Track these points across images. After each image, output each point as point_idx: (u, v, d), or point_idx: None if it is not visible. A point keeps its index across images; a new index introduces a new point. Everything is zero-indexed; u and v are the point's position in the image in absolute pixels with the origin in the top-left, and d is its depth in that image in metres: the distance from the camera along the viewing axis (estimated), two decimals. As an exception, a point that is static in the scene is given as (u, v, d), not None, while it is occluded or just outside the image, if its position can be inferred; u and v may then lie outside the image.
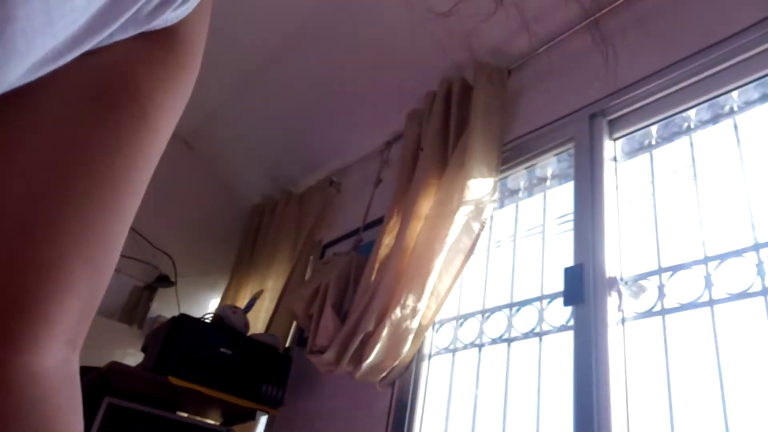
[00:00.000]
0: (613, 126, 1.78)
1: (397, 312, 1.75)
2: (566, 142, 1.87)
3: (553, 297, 1.63)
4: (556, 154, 1.92)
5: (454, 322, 1.90)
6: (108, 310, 2.85)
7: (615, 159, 1.75)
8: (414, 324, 1.78)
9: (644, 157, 1.70)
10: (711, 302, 1.29)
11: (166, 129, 0.42)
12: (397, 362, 1.81)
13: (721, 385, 1.18)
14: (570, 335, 1.48)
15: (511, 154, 2.00)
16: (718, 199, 1.44)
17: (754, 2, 1.52)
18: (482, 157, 1.89)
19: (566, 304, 1.53)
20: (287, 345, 2.47)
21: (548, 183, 1.93)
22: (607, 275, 1.50)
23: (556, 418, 1.45)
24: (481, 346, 1.76)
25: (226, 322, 2.23)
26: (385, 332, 1.75)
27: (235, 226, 3.38)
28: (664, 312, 1.36)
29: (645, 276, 1.45)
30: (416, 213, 1.93)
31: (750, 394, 1.16)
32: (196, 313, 2.46)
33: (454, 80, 2.21)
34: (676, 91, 1.64)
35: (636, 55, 1.77)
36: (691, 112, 1.63)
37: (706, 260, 1.35)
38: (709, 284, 1.31)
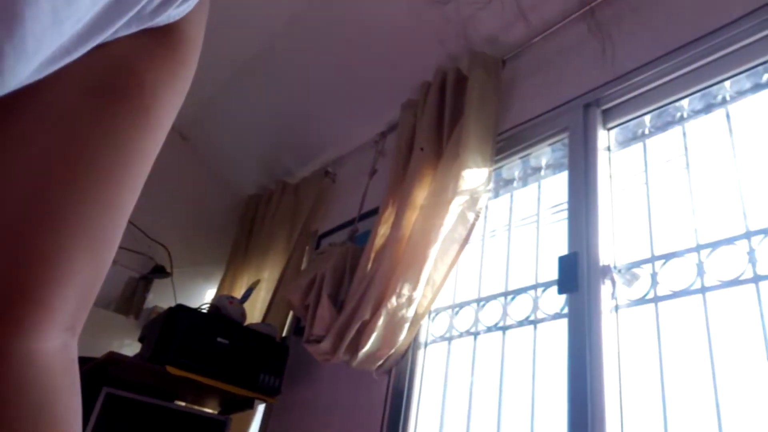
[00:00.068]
0: (607, 116, 1.80)
1: (393, 301, 1.77)
2: (560, 132, 1.88)
3: (547, 285, 1.65)
4: (551, 144, 1.93)
5: (449, 311, 1.92)
6: (104, 301, 2.85)
7: (609, 149, 1.76)
8: (410, 313, 1.79)
9: (638, 146, 1.71)
10: (703, 290, 1.31)
11: (165, 124, 0.43)
12: (393, 351, 1.82)
13: (713, 371, 1.20)
14: (564, 323, 1.50)
15: (506, 143, 2.01)
16: (710, 187, 1.46)
17: (746, -8, 1.53)
18: (477, 147, 1.90)
19: (560, 292, 1.55)
20: (284, 334, 2.49)
21: (543, 173, 1.95)
22: (601, 263, 1.52)
23: (550, 405, 1.47)
24: (476, 334, 1.78)
25: (223, 312, 2.25)
26: (381, 321, 1.76)
27: (231, 217, 3.38)
28: (656, 299, 1.39)
29: (638, 264, 1.47)
30: (411, 203, 1.94)
31: (741, 380, 1.18)
32: (192, 304, 2.47)
33: (448, 70, 2.21)
34: (670, 80, 1.66)
35: (630, 44, 1.78)
36: (684, 102, 1.65)
37: (698, 248, 1.37)
38: (701, 272, 1.33)
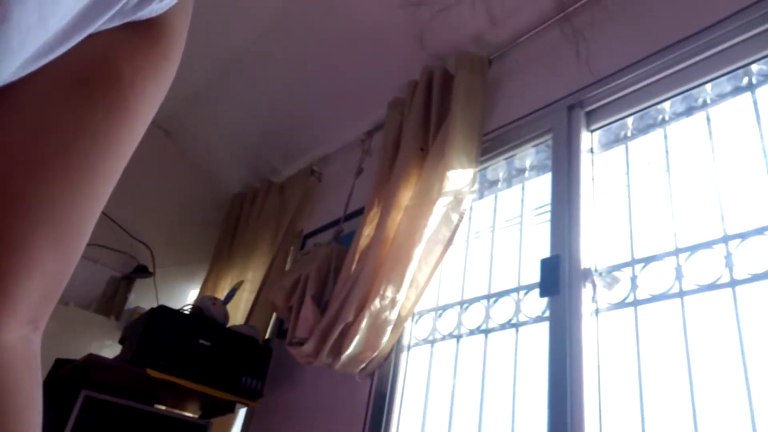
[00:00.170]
0: (591, 117, 1.80)
1: (377, 303, 1.76)
2: (545, 134, 1.88)
3: (529, 288, 1.65)
4: (535, 146, 1.93)
5: (433, 313, 1.91)
6: (85, 301, 2.82)
7: (592, 150, 1.76)
8: (393, 315, 1.79)
9: (620, 148, 1.71)
10: (681, 293, 1.31)
11: (145, 116, 0.43)
12: (376, 353, 1.82)
13: (690, 374, 1.21)
14: (546, 326, 1.50)
15: (491, 144, 2.01)
16: (689, 191, 1.47)
17: (726, -4, 1.54)
18: (463, 146, 1.89)
19: (542, 295, 1.55)
20: (267, 336, 2.47)
21: (527, 174, 1.94)
22: (582, 266, 1.52)
23: (531, 408, 1.47)
24: (459, 337, 1.78)
25: (206, 314, 2.22)
26: (364, 323, 1.76)
27: (215, 216, 3.35)
28: (636, 303, 1.39)
29: (618, 267, 1.47)
30: (396, 203, 1.93)
31: (718, 383, 1.18)
32: (175, 305, 2.44)
33: (435, 69, 2.20)
34: (652, 83, 1.66)
35: (613, 46, 1.78)
36: (666, 105, 1.65)
37: (677, 252, 1.37)
38: (679, 276, 1.33)
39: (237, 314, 2.51)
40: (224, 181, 3.42)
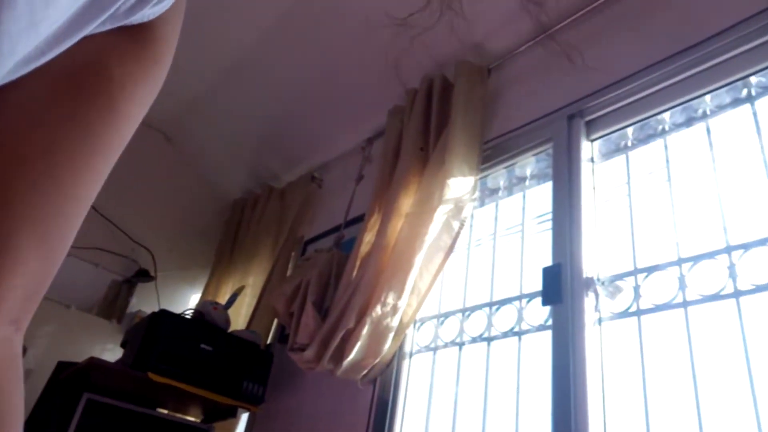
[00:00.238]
0: (591, 127, 1.81)
1: (378, 309, 1.76)
2: (545, 142, 1.89)
3: (531, 296, 1.66)
4: (535, 154, 1.95)
5: (435, 321, 1.92)
6: (87, 304, 2.82)
7: (592, 160, 1.78)
8: (395, 322, 1.79)
9: (620, 158, 1.73)
10: (685, 303, 1.32)
11: (134, 119, 0.43)
12: (377, 360, 1.82)
13: (695, 384, 1.22)
14: (548, 335, 1.51)
15: (492, 153, 2.02)
16: (691, 201, 1.48)
17: (725, 8, 1.55)
18: (463, 155, 1.91)
19: (545, 303, 1.56)
20: (268, 342, 2.48)
21: (527, 182, 1.96)
22: (585, 275, 1.53)
23: (534, 417, 1.48)
24: (461, 344, 1.79)
25: (207, 318, 2.23)
26: (365, 330, 1.76)
27: (216, 221, 3.36)
28: (639, 312, 1.40)
29: (621, 277, 1.48)
30: (397, 210, 1.94)
31: (723, 394, 1.20)
32: (177, 309, 2.45)
33: (435, 77, 2.21)
34: (652, 93, 1.68)
35: (613, 56, 1.80)
36: (666, 115, 1.67)
37: (680, 262, 1.38)
38: (683, 286, 1.35)
39: (238, 319, 2.51)
40: (225, 186, 3.43)
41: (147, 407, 2.10)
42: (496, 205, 2.01)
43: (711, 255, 1.33)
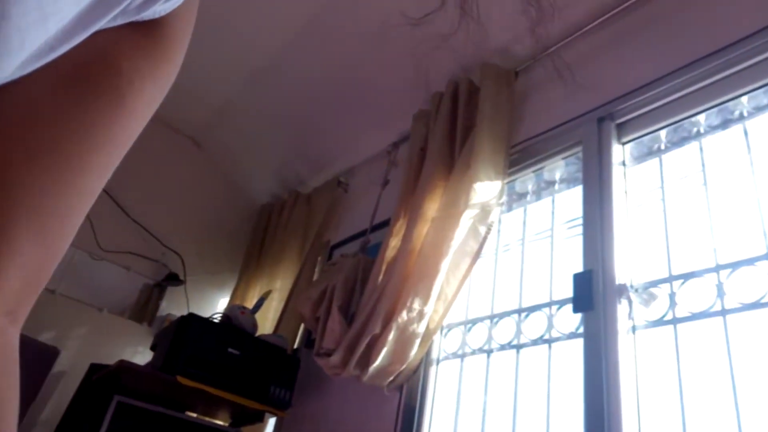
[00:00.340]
0: (622, 130, 1.77)
1: (404, 315, 1.75)
2: (574, 146, 1.86)
3: (562, 303, 1.62)
4: (564, 158, 1.91)
5: (462, 327, 1.90)
6: (119, 308, 2.88)
7: (624, 163, 1.73)
8: (421, 328, 1.78)
9: (653, 161, 1.68)
10: (723, 312, 1.28)
11: (142, 116, 0.42)
12: (404, 366, 1.81)
13: (735, 397, 1.17)
14: (580, 343, 1.48)
15: (519, 156, 1.99)
16: (729, 205, 1.43)
17: (763, 6, 1.50)
18: (489, 159, 1.88)
19: (575, 310, 1.53)
20: (295, 346, 2.48)
21: (557, 187, 1.92)
22: (617, 282, 1.49)
23: (565, 428, 1.45)
24: (489, 351, 1.76)
25: (234, 323, 2.24)
26: (391, 335, 1.75)
27: (244, 226, 3.39)
28: (675, 321, 1.36)
29: (655, 283, 1.44)
30: (422, 215, 1.93)
31: (763, 406, 1.15)
32: (205, 312, 2.47)
33: (460, 81, 2.20)
34: (685, 95, 1.63)
35: (645, 58, 1.76)
36: (701, 117, 1.62)
37: (717, 268, 1.34)
38: (721, 293, 1.30)
39: (266, 324, 2.53)
40: (253, 191, 3.46)
41: (176, 410, 2.12)
42: (525, 210, 1.97)
43: (751, 261, 1.28)
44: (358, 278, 2.12)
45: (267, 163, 3.29)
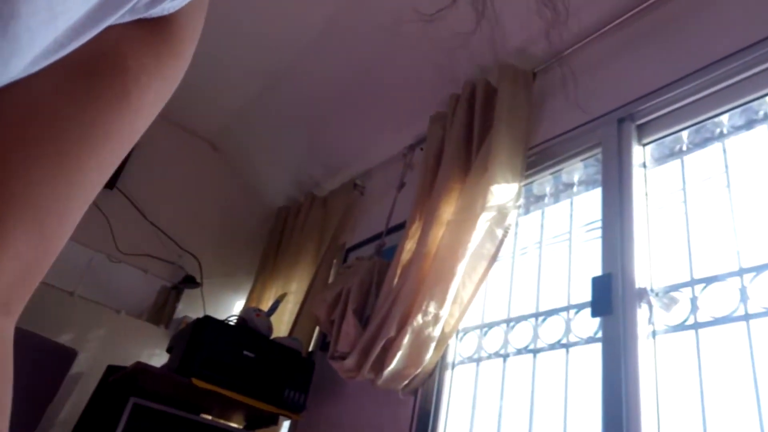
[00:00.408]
0: (642, 131, 1.74)
1: (419, 318, 1.73)
2: (593, 147, 1.83)
3: (580, 307, 1.59)
4: (583, 160, 1.88)
5: (478, 331, 1.87)
6: (137, 310, 2.90)
7: (644, 165, 1.70)
8: (436, 331, 1.76)
9: (675, 163, 1.65)
10: (747, 316, 1.24)
11: (148, 113, 0.42)
12: (419, 370, 1.79)
13: (758, 402, 1.14)
14: (598, 347, 1.45)
15: (537, 158, 1.97)
16: (752, 208, 1.39)
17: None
18: (506, 161, 1.86)
19: (594, 315, 1.50)
20: (310, 349, 2.48)
21: (575, 189, 1.89)
22: (637, 286, 1.46)
23: (582, 433, 1.42)
24: (506, 356, 1.74)
25: (250, 325, 2.25)
26: (406, 339, 1.73)
27: (260, 228, 3.40)
28: (697, 326, 1.32)
29: (677, 287, 1.41)
30: (438, 218, 1.91)
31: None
32: (221, 315, 2.48)
33: (477, 82, 2.18)
34: (708, 95, 1.59)
35: (666, 57, 1.72)
36: (724, 117, 1.58)
37: (741, 272, 1.30)
38: (744, 297, 1.26)
39: (281, 326, 2.52)
40: (269, 194, 3.47)
41: (191, 413, 2.13)
42: (542, 213, 1.95)
43: (776, 265, 1.24)
44: (373, 281, 2.11)
45: (283, 165, 3.30)
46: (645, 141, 1.73)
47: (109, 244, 2.86)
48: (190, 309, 2.98)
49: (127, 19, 0.38)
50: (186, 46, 0.43)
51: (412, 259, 1.91)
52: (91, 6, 0.33)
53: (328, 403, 2.23)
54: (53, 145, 0.35)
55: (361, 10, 2.31)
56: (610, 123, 1.78)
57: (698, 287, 1.36)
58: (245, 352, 2.10)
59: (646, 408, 1.30)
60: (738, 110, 1.55)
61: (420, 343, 1.75)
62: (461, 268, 1.75)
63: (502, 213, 1.81)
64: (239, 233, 3.35)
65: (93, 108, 0.37)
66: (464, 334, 1.92)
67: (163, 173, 3.19)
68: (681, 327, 1.35)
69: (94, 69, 0.37)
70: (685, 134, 1.66)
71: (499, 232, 1.81)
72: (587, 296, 1.55)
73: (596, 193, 1.74)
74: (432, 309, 1.74)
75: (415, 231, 2.05)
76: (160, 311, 2.96)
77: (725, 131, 1.58)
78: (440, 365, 1.88)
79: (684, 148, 1.65)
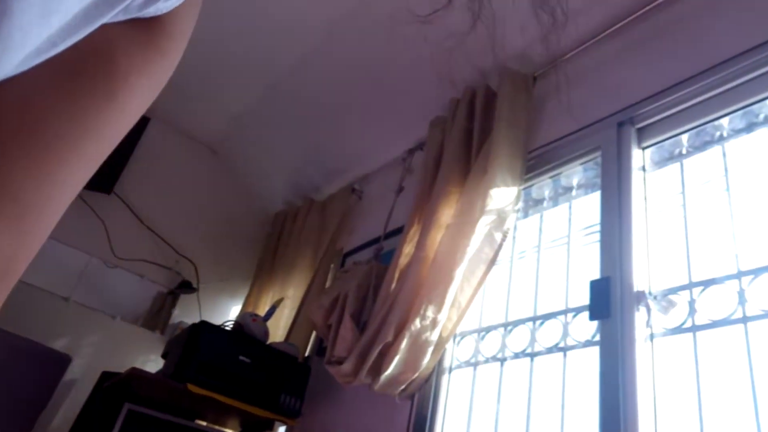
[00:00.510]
0: (642, 134, 1.73)
1: (417, 323, 1.72)
2: (593, 151, 1.82)
3: (578, 311, 1.58)
4: (583, 163, 1.88)
5: (475, 335, 1.86)
6: (132, 316, 2.88)
7: (644, 168, 1.69)
8: (434, 336, 1.74)
9: (674, 166, 1.64)
10: (745, 319, 1.23)
11: (134, 112, 0.42)
12: (416, 375, 1.77)
13: (756, 405, 1.12)
14: (596, 351, 1.43)
15: (536, 162, 1.96)
16: (752, 211, 1.38)
17: (790, 6, 1.46)
18: (506, 164, 1.85)
19: (592, 318, 1.48)
20: (306, 354, 2.46)
21: (574, 192, 1.89)
22: (635, 289, 1.45)
23: (580, 437, 1.40)
24: (503, 360, 1.72)
25: (246, 330, 2.23)
26: (404, 344, 1.72)
27: (257, 233, 3.39)
28: (695, 329, 1.31)
29: (675, 291, 1.40)
30: (437, 221, 1.90)
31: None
32: (218, 320, 2.46)
33: (477, 87, 2.18)
34: (708, 98, 1.59)
35: (666, 61, 1.72)
36: (724, 121, 1.58)
37: (739, 275, 1.29)
38: (742, 300, 1.25)
39: (277, 331, 2.51)
40: (267, 199, 3.46)
41: (186, 418, 2.11)
42: (541, 216, 1.94)
43: (775, 268, 1.23)
44: (370, 285, 2.09)
45: (281, 170, 3.30)
46: (645, 144, 1.72)
47: (105, 249, 2.85)
48: (186, 314, 2.96)
49: (121, 18, 0.37)
50: (177, 46, 0.44)
51: (411, 263, 1.90)
52: (85, 5, 0.33)
53: (324, 408, 2.20)
54: (36, 141, 0.35)
55: (361, 15, 2.31)
56: (610, 126, 1.77)
57: (696, 290, 1.35)
58: (241, 358, 2.08)
59: (643, 411, 1.28)
60: (738, 113, 1.54)
61: (417, 348, 1.74)
62: (460, 272, 1.74)
63: (501, 217, 1.80)
64: (236, 238, 3.34)
65: (79, 105, 0.37)
66: (461, 338, 1.90)
67: (161, 177, 3.18)
68: (679, 330, 1.34)
69: (83, 67, 0.37)
70: (684, 137, 1.65)
71: (498, 236, 1.79)
72: (585, 300, 1.53)
73: (595, 197, 1.74)
74: (430, 313, 1.73)
75: (413, 234, 2.04)
76: (156, 317, 2.94)
77: (725, 134, 1.57)
78: (437, 369, 1.86)
79: (684, 151, 1.65)
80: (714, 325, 1.28)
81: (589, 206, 1.80)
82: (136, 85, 0.40)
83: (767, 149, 1.43)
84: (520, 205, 1.88)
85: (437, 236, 1.87)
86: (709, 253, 1.40)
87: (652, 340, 1.38)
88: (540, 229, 1.91)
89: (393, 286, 1.94)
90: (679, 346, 1.33)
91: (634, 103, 1.74)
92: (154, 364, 2.70)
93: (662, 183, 1.65)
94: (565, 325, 1.59)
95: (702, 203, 1.52)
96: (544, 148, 1.96)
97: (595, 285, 1.52)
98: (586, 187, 1.86)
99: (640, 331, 1.38)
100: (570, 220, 1.82)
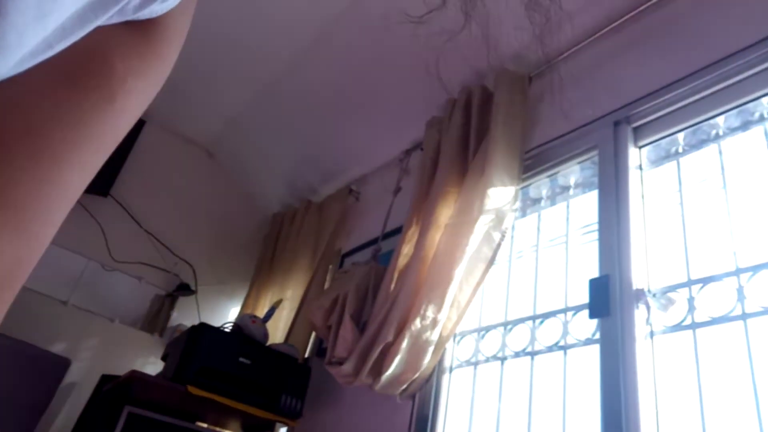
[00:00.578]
0: (639, 133, 1.74)
1: (417, 323, 1.72)
2: (590, 150, 1.83)
3: (577, 309, 1.59)
4: (580, 162, 1.89)
5: (475, 334, 1.87)
6: (130, 319, 2.87)
7: (640, 167, 1.70)
8: (434, 335, 1.75)
9: (671, 165, 1.65)
10: (744, 316, 1.24)
11: (131, 114, 0.42)
12: (417, 374, 1.78)
13: (757, 401, 1.13)
14: (596, 349, 1.44)
15: (533, 161, 1.97)
16: (749, 208, 1.39)
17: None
18: (503, 164, 1.86)
19: (592, 316, 1.49)
20: (306, 355, 2.46)
21: (571, 191, 1.90)
22: (634, 287, 1.46)
23: (582, 435, 1.41)
24: (503, 359, 1.73)
25: (245, 332, 2.23)
26: (404, 344, 1.72)
27: (255, 235, 3.39)
28: (694, 326, 1.32)
29: (674, 288, 1.41)
30: (435, 222, 1.91)
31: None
32: (216, 322, 2.46)
33: (474, 87, 2.18)
34: (704, 97, 1.60)
35: (662, 60, 1.73)
36: (720, 119, 1.59)
37: (738, 272, 1.30)
38: (741, 297, 1.26)
39: (277, 333, 2.51)
40: (264, 200, 3.46)
41: (187, 421, 2.11)
42: (539, 216, 1.95)
43: (773, 264, 1.24)
44: (370, 286, 2.10)
45: (279, 172, 3.29)
46: (641, 143, 1.73)
47: (103, 252, 2.84)
48: (184, 317, 2.95)
49: (116, 20, 0.37)
50: (173, 48, 0.44)
51: (410, 263, 1.90)
52: (80, 6, 0.33)
53: (325, 409, 2.21)
54: (35, 145, 0.35)
55: (356, 16, 2.32)
56: (607, 126, 1.78)
57: (695, 287, 1.36)
58: (241, 359, 2.08)
59: (645, 408, 1.29)
60: (734, 112, 1.55)
61: (418, 348, 1.74)
62: (459, 271, 1.74)
63: (499, 216, 1.81)
64: (234, 240, 3.33)
65: (77, 109, 0.37)
66: (461, 338, 1.91)
67: (158, 180, 3.18)
68: (678, 327, 1.35)
69: (79, 70, 0.37)
70: (681, 136, 1.67)
71: (497, 236, 1.80)
72: (584, 298, 1.54)
73: (593, 196, 1.75)
74: (430, 313, 1.73)
75: (412, 235, 2.05)
76: (155, 319, 2.94)
77: (721, 133, 1.58)
78: (438, 369, 1.87)
79: (680, 149, 1.66)
80: (713, 322, 1.29)
81: (586, 205, 1.81)
82: (134, 88, 0.40)
83: (762, 147, 1.44)
84: (518, 204, 1.89)
85: (436, 236, 1.87)
86: (708, 251, 1.41)
87: (652, 337, 1.39)
88: (538, 228, 1.91)
89: (392, 286, 1.94)
90: (679, 344, 1.34)
91: (630, 102, 1.75)
92: (153, 366, 2.70)
93: (659, 181, 1.66)
94: (565, 324, 1.60)
95: (699, 201, 1.53)
96: (541, 148, 1.97)
97: (594, 283, 1.53)
98: (583, 186, 1.87)
99: (639, 329, 1.39)
100: (568, 219, 1.83)
